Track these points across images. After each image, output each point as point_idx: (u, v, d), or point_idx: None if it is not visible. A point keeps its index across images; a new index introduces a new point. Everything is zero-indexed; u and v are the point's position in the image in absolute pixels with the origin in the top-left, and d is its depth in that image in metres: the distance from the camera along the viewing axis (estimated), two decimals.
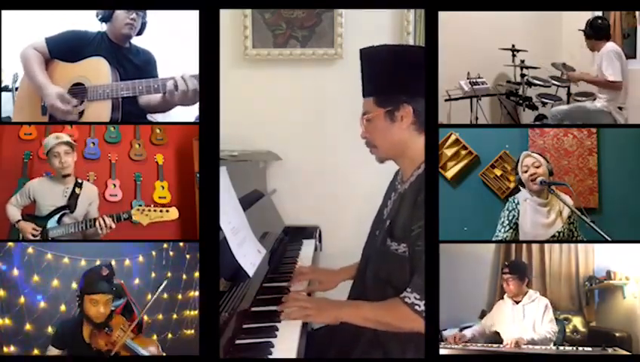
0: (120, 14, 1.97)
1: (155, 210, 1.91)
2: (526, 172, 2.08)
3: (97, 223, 1.89)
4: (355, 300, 1.71)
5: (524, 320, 1.80)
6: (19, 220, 1.96)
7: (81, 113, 1.94)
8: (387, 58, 1.60)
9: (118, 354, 1.52)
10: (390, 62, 1.58)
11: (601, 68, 2.50)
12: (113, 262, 1.96)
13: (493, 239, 2.12)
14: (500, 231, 2.11)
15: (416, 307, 1.46)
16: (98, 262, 1.75)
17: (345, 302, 1.70)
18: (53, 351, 1.57)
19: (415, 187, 1.56)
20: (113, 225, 1.90)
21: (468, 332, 1.83)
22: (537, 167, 2.07)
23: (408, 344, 1.55)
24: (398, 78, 1.57)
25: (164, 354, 1.55)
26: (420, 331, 1.49)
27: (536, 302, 1.82)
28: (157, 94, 1.90)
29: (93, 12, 1.99)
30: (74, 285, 1.86)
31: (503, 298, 1.87)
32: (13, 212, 1.98)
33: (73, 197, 1.99)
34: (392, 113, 1.57)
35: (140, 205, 1.97)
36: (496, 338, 1.80)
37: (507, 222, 2.09)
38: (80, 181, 2.03)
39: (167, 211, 1.92)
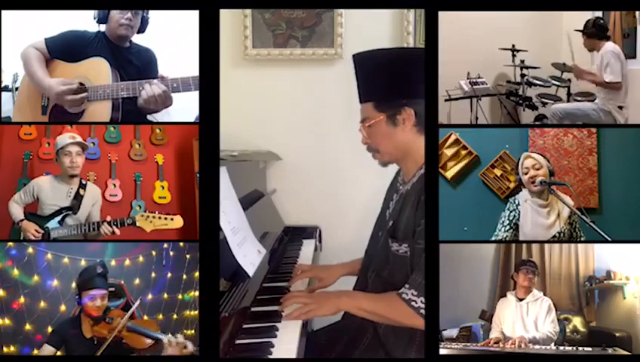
0: (114, 15, 1.97)
1: (159, 217, 1.89)
2: (526, 174, 2.08)
3: (101, 229, 1.88)
4: (354, 291, 1.72)
5: (528, 317, 1.80)
6: (22, 219, 1.94)
7: (81, 113, 1.94)
8: (383, 62, 1.58)
9: (121, 340, 1.56)
10: (387, 66, 1.57)
11: (601, 69, 2.50)
12: (113, 262, 1.98)
13: (493, 238, 2.11)
14: (499, 230, 2.10)
15: (413, 303, 1.46)
16: None
17: (343, 292, 1.70)
18: (46, 350, 1.57)
19: (418, 187, 1.56)
20: (117, 231, 1.89)
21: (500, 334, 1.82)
22: (537, 169, 2.06)
23: (409, 345, 1.55)
24: (397, 82, 1.55)
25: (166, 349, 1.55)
26: (416, 327, 1.49)
27: (539, 301, 1.83)
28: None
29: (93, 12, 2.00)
30: (74, 285, 1.85)
31: (505, 295, 1.88)
32: (16, 210, 1.97)
33: (77, 198, 1.99)
34: (393, 117, 1.55)
35: (140, 206, 1.97)
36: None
37: (507, 221, 2.09)
38: (84, 182, 2.03)
39: (172, 219, 1.91)
